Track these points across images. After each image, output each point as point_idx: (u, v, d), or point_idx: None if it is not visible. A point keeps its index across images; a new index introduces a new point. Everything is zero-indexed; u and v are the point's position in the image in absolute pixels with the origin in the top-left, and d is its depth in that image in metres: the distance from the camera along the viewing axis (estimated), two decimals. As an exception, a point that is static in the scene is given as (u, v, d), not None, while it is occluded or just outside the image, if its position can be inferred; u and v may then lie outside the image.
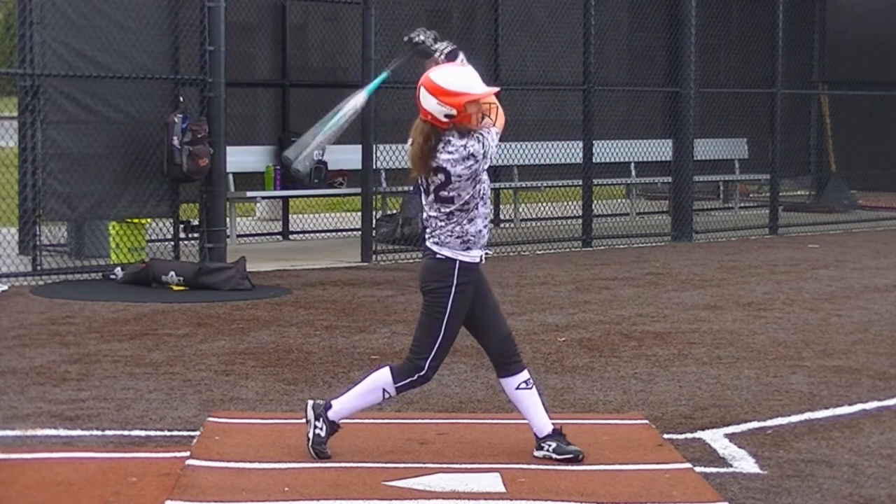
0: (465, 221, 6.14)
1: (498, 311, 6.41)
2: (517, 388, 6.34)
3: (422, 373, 6.25)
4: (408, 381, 6.28)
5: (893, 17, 22.50)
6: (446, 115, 6.06)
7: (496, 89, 6.26)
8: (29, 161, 13.14)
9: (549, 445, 6.32)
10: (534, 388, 6.37)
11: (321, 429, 6.30)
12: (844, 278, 13.67)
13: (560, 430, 6.37)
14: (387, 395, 6.33)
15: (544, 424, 6.35)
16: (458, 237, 6.16)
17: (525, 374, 6.35)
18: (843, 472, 6.26)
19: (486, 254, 6.32)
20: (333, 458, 6.28)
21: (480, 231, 6.20)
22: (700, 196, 19.82)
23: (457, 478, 6.01)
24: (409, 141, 6.20)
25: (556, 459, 6.28)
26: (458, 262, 6.17)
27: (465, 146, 6.07)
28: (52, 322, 10.28)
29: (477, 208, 6.16)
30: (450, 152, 6.08)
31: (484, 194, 6.19)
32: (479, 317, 6.33)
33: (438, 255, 6.19)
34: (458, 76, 6.14)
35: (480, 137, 6.11)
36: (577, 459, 6.27)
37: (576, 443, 6.41)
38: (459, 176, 6.07)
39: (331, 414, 6.32)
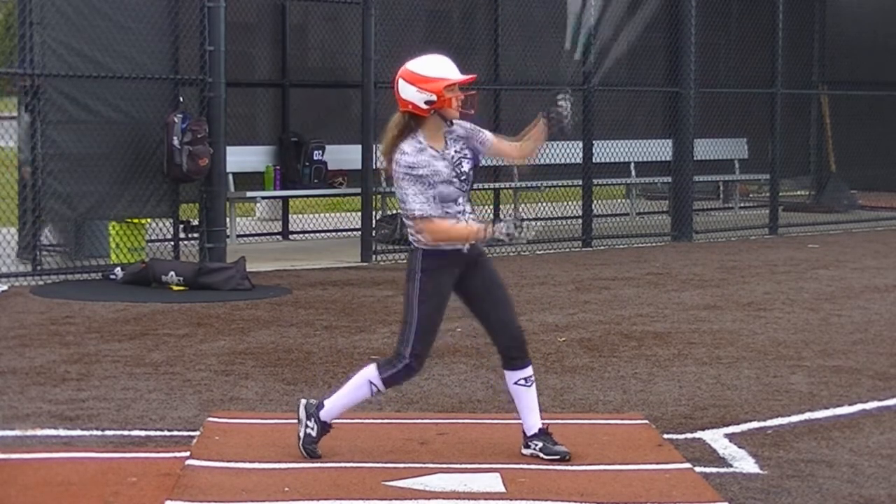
0: None
1: (504, 304, 6.41)
2: (515, 383, 6.39)
3: (405, 362, 6.25)
4: (392, 371, 6.28)
5: (893, 17, 22.50)
6: (426, 102, 6.12)
7: (473, 76, 6.30)
8: (29, 161, 13.12)
9: (536, 444, 6.36)
10: (533, 386, 6.39)
11: (312, 428, 6.33)
12: (844, 278, 13.67)
13: (547, 430, 6.39)
14: (374, 390, 6.32)
15: (534, 423, 6.38)
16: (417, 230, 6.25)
17: (526, 372, 6.36)
18: (843, 472, 6.26)
19: (468, 247, 6.27)
20: (333, 458, 6.28)
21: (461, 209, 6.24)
22: (700, 196, 19.81)
23: (457, 478, 6.01)
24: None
25: (544, 459, 6.30)
26: (420, 250, 6.23)
27: (404, 157, 6.12)
28: (52, 322, 10.28)
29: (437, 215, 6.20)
30: (401, 153, 6.14)
31: (448, 198, 6.18)
32: (481, 309, 6.38)
33: (411, 246, 6.31)
34: (434, 63, 6.19)
35: (437, 154, 6.16)
36: (563, 459, 6.28)
37: (576, 443, 6.42)
38: (397, 181, 6.17)
39: (322, 413, 6.34)
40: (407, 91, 6.14)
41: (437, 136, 6.22)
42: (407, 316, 6.26)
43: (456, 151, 6.23)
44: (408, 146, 6.16)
